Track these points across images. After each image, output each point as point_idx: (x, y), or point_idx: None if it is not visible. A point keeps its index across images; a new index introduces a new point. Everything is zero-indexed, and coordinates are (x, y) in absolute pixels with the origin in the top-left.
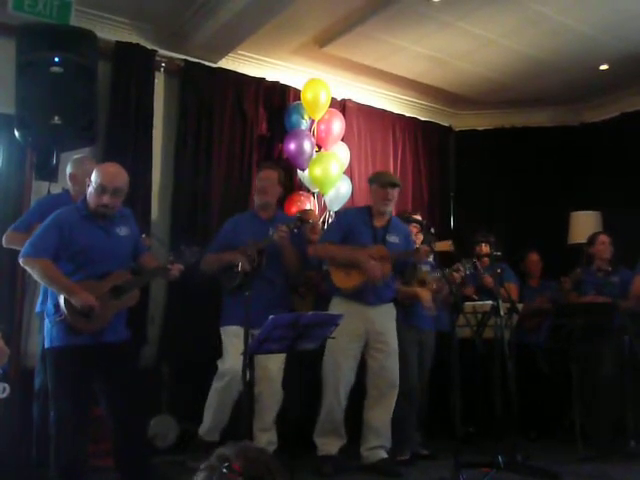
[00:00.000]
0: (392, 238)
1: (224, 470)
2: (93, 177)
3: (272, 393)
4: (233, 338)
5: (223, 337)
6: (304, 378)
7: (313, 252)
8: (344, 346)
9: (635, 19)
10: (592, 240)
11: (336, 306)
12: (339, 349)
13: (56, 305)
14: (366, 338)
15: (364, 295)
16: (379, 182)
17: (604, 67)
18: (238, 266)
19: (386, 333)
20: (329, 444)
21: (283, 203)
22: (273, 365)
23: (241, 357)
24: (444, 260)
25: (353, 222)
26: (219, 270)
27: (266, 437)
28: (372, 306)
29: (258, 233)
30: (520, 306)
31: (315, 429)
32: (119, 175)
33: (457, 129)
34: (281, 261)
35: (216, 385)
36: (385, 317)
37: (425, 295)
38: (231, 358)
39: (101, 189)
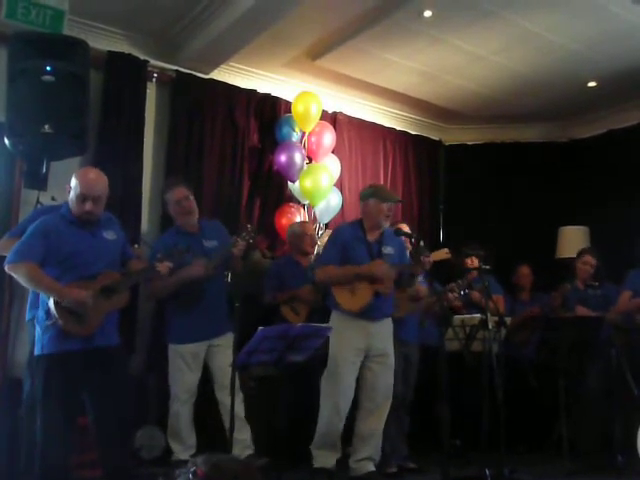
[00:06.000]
0: (387, 250)
1: (190, 476)
2: (73, 184)
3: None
4: (185, 358)
5: (172, 355)
6: (294, 390)
7: (318, 279)
8: (348, 360)
9: (623, 37)
10: (579, 255)
11: (337, 321)
12: (342, 363)
13: (47, 311)
14: (366, 352)
15: (369, 311)
16: (379, 197)
17: (592, 84)
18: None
19: (386, 347)
20: (327, 456)
21: (274, 214)
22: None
23: (194, 377)
24: (441, 269)
25: (347, 239)
26: (175, 290)
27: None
28: (374, 321)
29: (193, 249)
30: (508, 320)
31: (313, 441)
32: (98, 182)
33: (447, 143)
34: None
35: (175, 408)
36: (385, 331)
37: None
38: (187, 380)
39: (82, 197)
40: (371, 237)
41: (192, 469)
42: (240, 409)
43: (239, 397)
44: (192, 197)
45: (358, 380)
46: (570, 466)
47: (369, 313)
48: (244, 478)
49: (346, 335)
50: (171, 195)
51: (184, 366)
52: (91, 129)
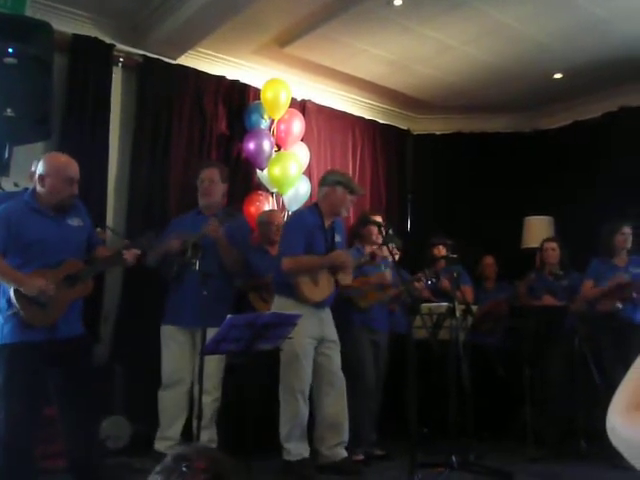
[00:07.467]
0: (337, 237)
1: (184, 469)
2: (54, 170)
3: (209, 390)
4: (168, 340)
5: (161, 337)
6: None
7: (286, 268)
8: (306, 348)
9: (589, 30)
10: (540, 247)
11: (289, 307)
12: (302, 351)
13: (8, 300)
14: (320, 339)
15: (324, 301)
16: (348, 188)
17: (558, 76)
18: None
19: (334, 333)
20: (302, 448)
21: (243, 202)
22: (211, 362)
23: (178, 361)
24: (409, 259)
25: (309, 226)
26: (159, 261)
27: (207, 435)
28: (323, 309)
29: (197, 229)
30: (475, 308)
31: (284, 434)
32: (75, 164)
33: (415, 133)
34: (219, 256)
35: (159, 392)
36: (330, 318)
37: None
38: (168, 364)
39: (70, 181)
40: (326, 224)
41: (185, 463)
42: (211, 406)
43: (211, 395)
44: (220, 181)
45: (314, 368)
46: (534, 452)
47: (323, 302)
48: (234, 466)
49: (303, 324)
50: (200, 174)
51: (165, 348)
52: (55, 114)
